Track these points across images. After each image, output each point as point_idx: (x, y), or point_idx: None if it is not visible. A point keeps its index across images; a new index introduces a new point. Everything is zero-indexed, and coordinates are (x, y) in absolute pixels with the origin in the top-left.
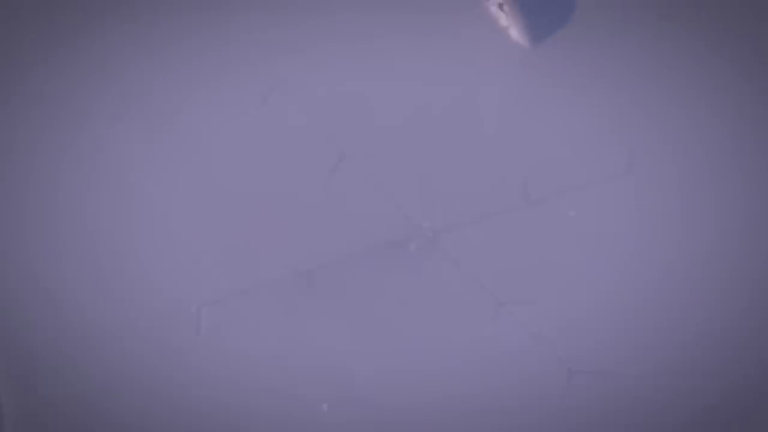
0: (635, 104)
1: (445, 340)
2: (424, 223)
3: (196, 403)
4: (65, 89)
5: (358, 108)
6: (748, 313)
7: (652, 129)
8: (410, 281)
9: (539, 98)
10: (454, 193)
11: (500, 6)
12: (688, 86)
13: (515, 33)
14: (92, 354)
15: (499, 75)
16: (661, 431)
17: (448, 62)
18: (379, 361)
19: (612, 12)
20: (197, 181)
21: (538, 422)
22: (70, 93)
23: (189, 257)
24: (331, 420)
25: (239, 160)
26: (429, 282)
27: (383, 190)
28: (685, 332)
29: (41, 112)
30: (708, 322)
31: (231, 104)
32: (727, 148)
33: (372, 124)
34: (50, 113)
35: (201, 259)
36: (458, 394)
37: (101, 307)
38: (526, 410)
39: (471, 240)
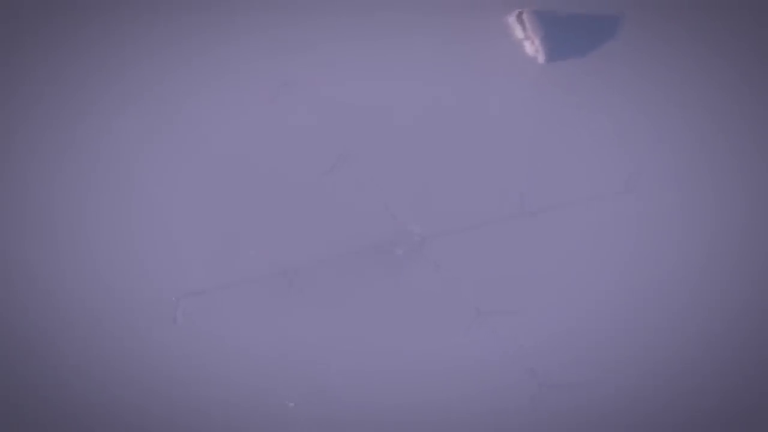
0: (641, 127)
1: (419, 345)
2: (413, 228)
3: (174, 395)
4: (65, 89)
5: (361, 110)
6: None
7: (656, 151)
8: (393, 285)
9: (545, 113)
10: (449, 200)
11: (519, 18)
12: (697, 109)
13: (530, 47)
14: (76, 342)
15: (508, 86)
16: None
17: (457, 69)
18: (352, 361)
19: (627, 36)
20: (194, 178)
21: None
22: (70, 93)
23: (180, 252)
24: (298, 415)
25: (237, 159)
26: (411, 287)
27: (377, 193)
28: (662, 351)
29: (41, 111)
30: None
31: (230, 104)
32: (730, 169)
33: (374, 127)
34: (50, 113)
35: (191, 253)
36: (427, 399)
37: (89, 298)
38: (493, 419)
39: (458, 248)
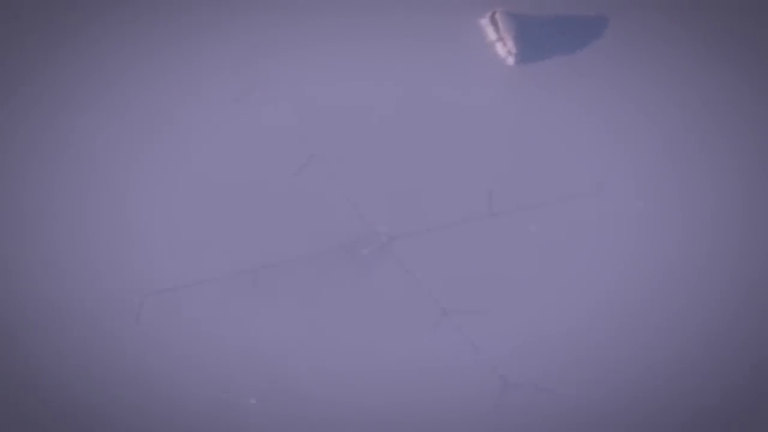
0: (611, 129)
1: (385, 345)
2: (380, 228)
3: (134, 392)
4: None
5: (331, 110)
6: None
7: (626, 152)
8: (359, 285)
9: (516, 114)
10: (417, 200)
11: (492, 19)
12: (667, 111)
13: (502, 48)
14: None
15: (479, 88)
16: None
17: (427, 70)
18: (316, 361)
19: (601, 37)
20: (160, 176)
21: None
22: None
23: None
24: (259, 411)
25: (205, 158)
26: (377, 287)
27: (345, 193)
28: (634, 354)
29: (41, 111)
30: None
31: (195, 102)
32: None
33: (343, 127)
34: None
35: (155, 251)
36: (392, 399)
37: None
38: (459, 419)
39: (425, 248)
